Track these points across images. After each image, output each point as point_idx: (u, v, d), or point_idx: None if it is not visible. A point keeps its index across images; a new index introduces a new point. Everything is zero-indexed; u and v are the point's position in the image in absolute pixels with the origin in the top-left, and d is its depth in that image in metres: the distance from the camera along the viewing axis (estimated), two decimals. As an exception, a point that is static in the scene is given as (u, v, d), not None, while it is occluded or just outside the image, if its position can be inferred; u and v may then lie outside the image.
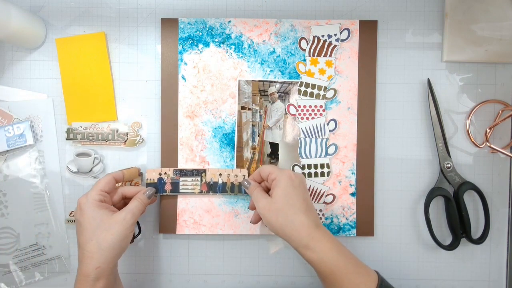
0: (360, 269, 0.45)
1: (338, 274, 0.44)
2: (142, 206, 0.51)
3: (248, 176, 0.56)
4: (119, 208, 0.50)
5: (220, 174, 0.56)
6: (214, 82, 0.58)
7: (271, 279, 0.60)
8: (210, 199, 0.58)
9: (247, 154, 0.58)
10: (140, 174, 0.58)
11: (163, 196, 0.58)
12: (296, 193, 0.47)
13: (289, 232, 0.46)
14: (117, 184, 0.53)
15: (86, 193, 0.49)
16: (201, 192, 0.56)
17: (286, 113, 0.58)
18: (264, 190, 0.51)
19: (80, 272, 0.46)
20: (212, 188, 0.56)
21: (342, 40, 0.57)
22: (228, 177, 0.57)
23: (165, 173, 0.56)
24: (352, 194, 0.58)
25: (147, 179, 0.56)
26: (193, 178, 0.56)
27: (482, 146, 0.58)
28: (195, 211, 0.58)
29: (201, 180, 0.56)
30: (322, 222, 0.58)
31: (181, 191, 0.56)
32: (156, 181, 0.56)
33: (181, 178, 0.56)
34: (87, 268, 0.45)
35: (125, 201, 0.54)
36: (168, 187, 0.56)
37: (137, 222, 0.59)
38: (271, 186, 0.49)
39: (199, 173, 0.56)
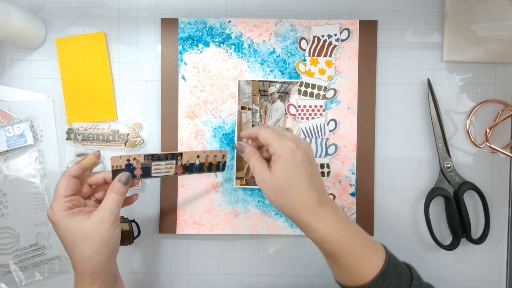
0: (366, 248, 0.43)
1: (342, 254, 0.42)
2: (120, 198, 0.45)
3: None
4: (97, 197, 0.47)
5: (198, 156, 0.51)
6: (214, 82, 0.58)
7: (271, 279, 0.60)
8: (210, 199, 0.58)
9: (247, 154, 0.58)
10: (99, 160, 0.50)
11: (163, 196, 0.58)
12: (298, 171, 0.42)
13: (289, 212, 0.43)
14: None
15: (51, 204, 0.44)
16: (176, 174, 0.51)
17: (286, 113, 0.58)
18: (262, 155, 0.47)
19: (76, 278, 0.45)
20: (188, 169, 0.51)
21: (342, 40, 0.57)
22: (206, 158, 0.52)
23: (134, 159, 0.48)
24: (352, 194, 0.58)
25: (112, 167, 0.47)
26: (167, 162, 0.50)
27: (482, 146, 0.58)
28: (195, 211, 0.58)
29: (176, 163, 0.50)
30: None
31: (153, 175, 0.49)
32: (124, 167, 0.47)
33: (154, 163, 0.49)
34: (80, 275, 0.44)
35: (99, 187, 0.49)
36: (138, 172, 0.48)
37: (137, 223, 0.59)
38: (271, 158, 0.43)
39: (174, 156, 0.50)
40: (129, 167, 0.47)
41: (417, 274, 0.44)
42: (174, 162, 0.50)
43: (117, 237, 0.45)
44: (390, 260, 0.42)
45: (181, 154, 0.50)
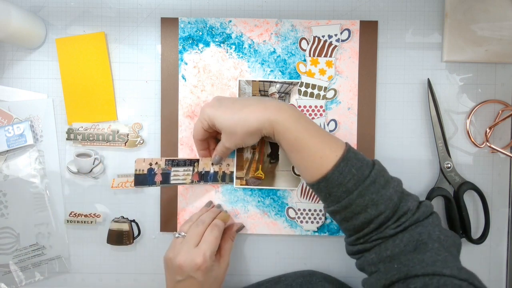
0: (325, 135, 0.46)
1: (304, 140, 0.45)
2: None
3: (237, 168, 0.57)
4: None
5: (212, 164, 0.56)
6: (214, 82, 0.58)
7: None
8: (210, 199, 0.58)
9: (247, 154, 0.58)
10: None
11: (163, 195, 0.58)
12: (226, 101, 0.49)
13: (249, 122, 0.46)
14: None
15: (203, 256, 0.48)
16: (192, 182, 0.55)
17: (286, 113, 0.58)
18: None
19: None
20: (204, 177, 0.55)
21: (343, 41, 0.57)
22: (220, 166, 0.56)
23: (156, 163, 0.53)
24: (352, 194, 0.58)
25: (135, 170, 0.52)
26: (185, 168, 0.54)
27: (482, 146, 0.58)
28: (196, 211, 0.58)
29: (193, 170, 0.54)
30: (323, 222, 0.58)
31: (172, 182, 0.53)
32: (146, 172, 0.52)
33: (173, 169, 0.53)
34: None
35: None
36: (158, 178, 0.53)
37: (137, 223, 0.59)
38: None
39: (192, 163, 0.54)
40: (151, 172, 0.52)
41: (380, 163, 0.46)
42: (191, 169, 0.54)
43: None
44: (350, 148, 0.45)
45: (197, 160, 0.54)
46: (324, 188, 0.45)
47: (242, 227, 0.57)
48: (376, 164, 0.45)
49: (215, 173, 0.56)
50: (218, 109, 0.48)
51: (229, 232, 0.55)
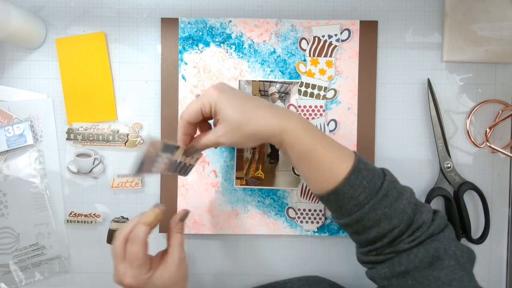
0: (335, 146, 0.44)
1: (313, 152, 0.42)
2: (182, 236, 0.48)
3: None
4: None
5: (185, 154, 0.48)
6: (214, 82, 0.58)
7: (271, 279, 0.59)
8: (210, 199, 0.58)
9: (247, 154, 0.58)
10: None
11: (163, 195, 0.58)
12: (235, 95, 0.44)
13: (261, 136, 0.43)
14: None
15: (129, 274, 0.43)
16: (162, 171, 0.48)
17: (286, 113, 0.58)
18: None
19: None
20: (171, 167, 0.48)
21: (343, 41, 0.57)
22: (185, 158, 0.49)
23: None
24: (352, 194, 0.58)
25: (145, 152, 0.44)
26: (167, 155, 0.46)
27: (482, 146, 0.58)
28: (195, 211, 0.58)
29: (171, 158, 0.47)
30: (323, 222, 0.58)
31: (153, 169, 0.46)
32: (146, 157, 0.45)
33: (164, 155, 0.46)
34: None
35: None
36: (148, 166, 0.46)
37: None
38: (216, 126, 0.45)
39: (172, 149, 0.47)
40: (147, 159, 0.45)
41: (391, 173, 0.44)
42: (169, 156, 0.47)
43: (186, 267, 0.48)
44: (360, 159, 0.43)
45: (177, 148, 0.47)
46: (334, 201, 0.43)
47: (186, 213, 0.50)
48: (387, 174, 0.43)
49: (180, 163, 0.49)
50: (228, 99, 0.43)
51: (173, 224, 0.48)
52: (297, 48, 0.57)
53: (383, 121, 0.59)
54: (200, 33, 0.57)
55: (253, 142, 0.44)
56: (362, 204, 0.41)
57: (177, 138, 0.47)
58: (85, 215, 0.58)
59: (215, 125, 0.45)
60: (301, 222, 0.58)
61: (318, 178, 0.43)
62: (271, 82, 0.58)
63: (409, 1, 0.58)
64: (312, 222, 0.58)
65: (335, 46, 0.57)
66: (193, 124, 0.46)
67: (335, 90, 0.58)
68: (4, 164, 0.58)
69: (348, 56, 0.57)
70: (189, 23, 0.57)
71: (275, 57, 0.58)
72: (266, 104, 0.45)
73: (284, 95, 0.58)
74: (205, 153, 0.58)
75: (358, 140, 0.58)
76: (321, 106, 0.58)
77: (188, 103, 0.57)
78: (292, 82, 0.58)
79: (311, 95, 0.58)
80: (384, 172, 0.43)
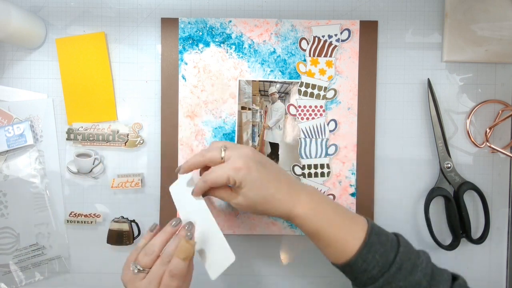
0: (346, 222, 0.44)
1: (323, 232, 0.43)
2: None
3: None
4: None
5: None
6: (214, 82, 0.58)
7: (271, 279, 0.60)
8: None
9: (247, 154, 0.58)
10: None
11: (163, 195, 0.58)
12: (262, 183, 0.43)
13: (271, 213, 0.45)
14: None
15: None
16: None
17: (286, 113, 0.58)
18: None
19: None
20: None
21: (343, 41, 0.57)
22: None
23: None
24: (352, 195, 0.58)
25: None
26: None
27: (482, 146, 0.58)
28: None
29: None
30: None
31: None
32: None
33: None
34: None
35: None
36: None
37: (137, 223, 0.59)
38: (233, 188, 0.46)
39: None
40: None
41: (405, 241, 0.44)
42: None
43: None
44: (373, 231, 0.43)
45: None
46: (349, 272, 0.44)
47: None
48: (401, 245, 0.43)
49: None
50: (253, 181, 0.43)
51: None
52: (297, 48, 0.57)
53: (383, 121, 0.59)
54: (200, 33, 0.57)
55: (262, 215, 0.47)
56: (376, 278, 0.42)
57: (184, 167, 0.48)
58: (85, 215, 0.58)
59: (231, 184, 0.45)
60: (301, 222, 0.58)
61: (331, 253, 0.45)
62: (271, 82, 0.58)
63: (409, 1, 0.58)
64: (312, 222, 0.58)
65: (335, 46, 0.57)
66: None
67: (335, 90, 0.58)
68: (4, 164, 0.58)
69: (348, 56, 0.57)
70: (189, 23, 0.57)
71: (275, 57, 0.58)
72: (285, 185, 0.45)
73: (284, 95, 0.58)
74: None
75: (358, 140, 0.58)
76: (321, 106, 0.58)
77: (188, 103, 0.57)
78: (292, 82, 0.58)
79: (311, 95, 0.58)
80: (398, 241, 0.43)
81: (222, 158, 0.45)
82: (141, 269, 0.43)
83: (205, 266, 0.45)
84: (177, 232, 0.46)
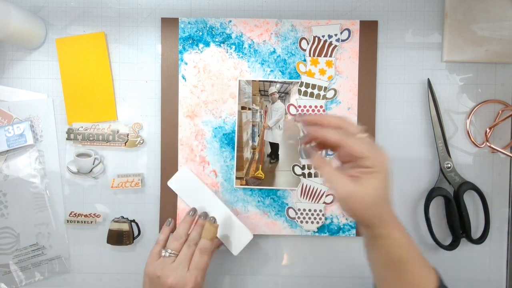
0: (426, 262, 0.43)
1: (409, 262, 0.41)
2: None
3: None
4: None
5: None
6: (214, 82, 0.58)
7: (271, 279, 0.60)
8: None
9: (247, 154, 0.58)
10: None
11: (163, 196, 0.58)
12: (389, 185, 0.40)
13: (369, 221, 0.41)
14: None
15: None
16: None
17: (286, 113, 0.58)
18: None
19: None
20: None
21: (343, 40, 0.57)
22: None
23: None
24: (352, 194, 0.58)
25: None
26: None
27: (482, 146, 0.58)
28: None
29: None
30: (323, 222, 0.58)
31: None
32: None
33: None
34: None
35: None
36: None
37: (137, 223, 0.59)
38: (362, 171, 0.39)
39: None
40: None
41: None
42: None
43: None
44: (442, 283, 0.42)
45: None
46: None
47: (220, 245, 0.56)
48: None
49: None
50: (387, 180, 0.40)
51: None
52: (297, 48, 0.57)
53: (383, 121, 0.59)
54: (200, 33, 0.57)
55: (357, 217, 0.41)
56: None
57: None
58: (85, 215, 0.58)
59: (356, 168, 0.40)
60: (301, 222, 0.58)
61: (402, 286, 0.42)
62: (271, 82, 0.58)
63: (409, 1, 0.58)
64: (312, 222, 0.58)
65: (335, 46, 0.57)
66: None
67: (335, 90, 0.58)
68: (4, 164, 0.58)
69: (348, 56, 0.57)
70: (189, 23, 0.57)
71: (275, 57, 0.58)
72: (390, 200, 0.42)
73: (284, 95, 0.58)
74: (204, 153, 0.58)
75: (358, 140, 0.58)
76: (321, 106, 0.58)
77: (188, 103, 0.57)
78: (292, 82, 0.58)
79: (311, 95, 0.58)
80: None
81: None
82: (172, 252, 0.50)
83: (226, 245, 0.56)
84: (195, 220, 0.54)
